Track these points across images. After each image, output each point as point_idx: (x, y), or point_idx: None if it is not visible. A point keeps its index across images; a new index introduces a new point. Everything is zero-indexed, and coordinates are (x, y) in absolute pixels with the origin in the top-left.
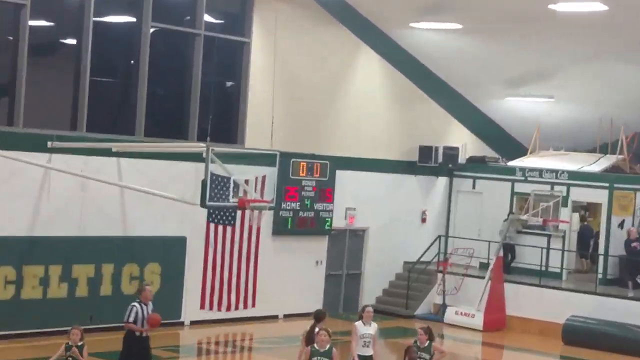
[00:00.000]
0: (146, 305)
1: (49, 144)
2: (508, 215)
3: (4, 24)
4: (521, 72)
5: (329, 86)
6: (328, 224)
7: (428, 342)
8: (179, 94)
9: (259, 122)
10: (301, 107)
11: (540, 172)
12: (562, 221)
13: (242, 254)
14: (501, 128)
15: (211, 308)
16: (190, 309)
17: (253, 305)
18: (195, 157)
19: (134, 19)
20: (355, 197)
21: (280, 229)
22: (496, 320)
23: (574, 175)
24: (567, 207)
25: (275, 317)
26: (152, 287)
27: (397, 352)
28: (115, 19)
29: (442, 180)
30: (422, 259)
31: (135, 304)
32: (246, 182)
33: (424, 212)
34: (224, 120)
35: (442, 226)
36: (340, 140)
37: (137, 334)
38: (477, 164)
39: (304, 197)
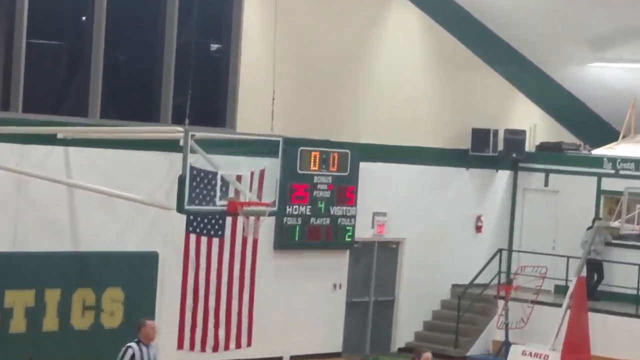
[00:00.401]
0: (147, 347)
1: None
2: (593, 222)
3: None
4: (610, 29)
5: (350, 50)
6: (349, 234)
7: None
8: (147, 61)
9: (255, 98)
10: (312, 79)
11: (637, 163)
12: None
13: (234, 275)
14: (583, 104)
15: (192, 348)
16: (166, 348)
17: (248, 344)
18: (170, 146)
19: None
20: (386, 199)
21: (285, 241)
22: None
23: None
24: None
25: (279, 359)
26: (113, 320)
27: None
28: None
29: (504, 175)
30: (476, 281)
31: (133, 344)
32: (238, 178)
33: (479, 218)
34: (208, 97)
35: (504, 237)
36: (365, 122)
37: None
38: (550, 152)
39: (316, 198)
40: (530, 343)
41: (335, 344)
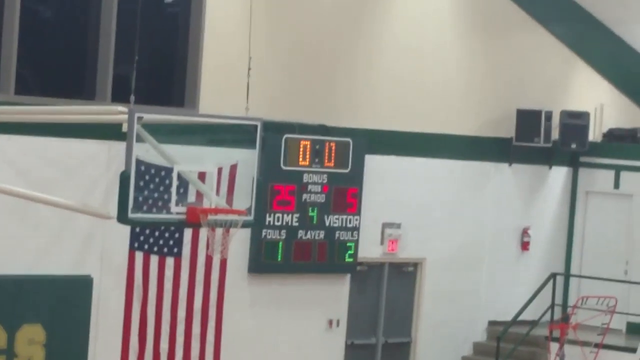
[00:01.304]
0: None
1: None
2: None
3: None
4: None
5: (354, 4)
6: (350, 253)
7: None
8: (79, 18)
9: (224, 68)
10: (303, 43)
11: None
12: None
13: (195, 308)
14: None
15: None
16: None
17: None
18: (109, 132)
19: None
20: (401, 205)
21: (264, 263)
22: None
23: None
24: None
25: None
26: None
27: None
28: None
29: (559, 174)
30: (521, 317)
31: None
32: (202, 177)
33: (525, 232)
34: (160, 66)
35: (559, 257)
36: (372, 101)
37: None
38: (623, 143)
39: (306, 203)
40: None
41: None
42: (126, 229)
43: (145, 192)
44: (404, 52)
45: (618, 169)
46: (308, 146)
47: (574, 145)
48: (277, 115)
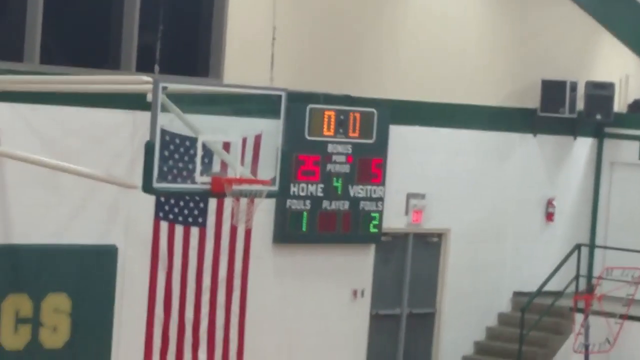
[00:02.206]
0: None
1: None
2: None
3: None
4: None
5: None
6: (375, 223)
7: None
8: None
9: (248, 38)
10: (327, 12)
11: None
12: None
13: (219, 278)
14: None
15: None
16: None
17: None
18: (134, 102)
19: None
20: (425, 176)
21: (288, 233)
22: None
23: None
24: None
25: None
26: (56, 337)
27: None
28: None
29: (584, 145)
30: (546, 288)
31: None
32: (226, 147)
33: (550, 203)
34: (185, 36)
35: (584, 228)
36: (397, 71)
37: None
38: None
39: (331, 174)
40: None
41: None
42: (151, 199)
43: (170, 162)
44: (429, 23)
45: None
46: (332, 116)
47: (598, 116)
48: (301, 85)
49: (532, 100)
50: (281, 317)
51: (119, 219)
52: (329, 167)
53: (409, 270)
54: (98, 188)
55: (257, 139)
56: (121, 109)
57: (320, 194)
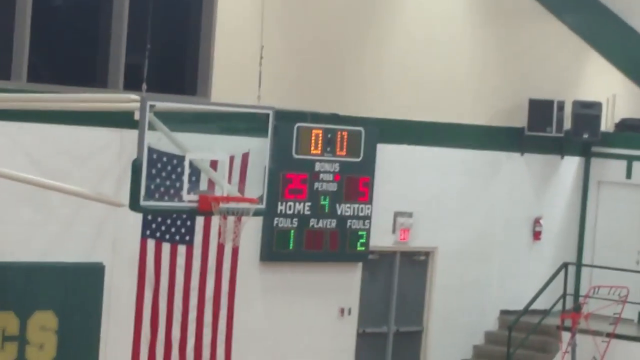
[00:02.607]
0: None
1: None
2: None
3: None
4: None
5: None
6: (362, 242)
7: None
8: (91, 8)
9: (236, 56)
10: (315, 31)
11: None
12: None
13: (206, 296)
14: None
15: None
16: None
17: None
18: (121, 120)
19: None
20: (412, 194)
21: (275, 251)
22: None
23: None
24: None
25: None
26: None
27: None
28: None
29: (571, 164)
30: (533, 307)
31: None
32: (213, 165)
33: (537, 222)
34: (172, 54)
35: (571, 247)
36: (385, 90)
37: None
38: (635, 133)
39: (318, 192)
40: None
41: None
42: (138, 217)
43: (157, 180)
44: (416, 42)
45: (630, 159)
46: (320, 135)
47: (586, 135)
48: (289, 103)
49: (519, 119)
50: (268, 336)
51: (106, 237)
52: (317, 185)
53: (396, 289)
54: (85, 206)
55: (245, 157)
56: (108, 127)
57: (307, 212)
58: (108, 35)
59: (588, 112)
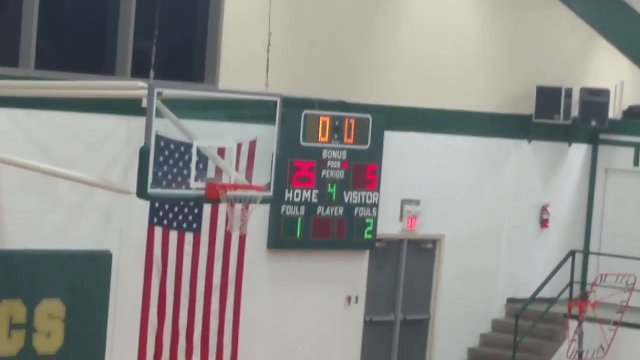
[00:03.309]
0: None
1: None
2: None
3: None
4: None
5: None
6: (369, 230)
7: None
8: None
9: (244, 44)
10: (323, 19)
11: None
12: None
13: (214, 284)
14: None
15: None
16: None
17: None
18: (129, 107)
19: None
20: (420, 182)
21: (283, 239)
22: None
23: None
24: None
25: None
26: (51, 343)
27: None
28: None
29: (579, 151)
30: (540, 295)
31: None
32: (221, 152)
33: (544, 209)
34: (180, 42)
35: (579, 235)
36: (393, 77)
37: None
38: None
39: (326, 180)
40: None
41: None
42: (146, 205)
43: (165, 168)
44: (424, 29)
45: (638, 147)
46: (328, 122)
47: (594, 123)
48: (296, 91)
49: (527, 107)
50: (275, 324)
51: (114, 225)
52: (324, 173)
53: (403, 277)
54: (92, 194)
55: (252, 145)
56: (116, 114)
57: (315, 200)
58: (116, 22)
59: (596, 100)
